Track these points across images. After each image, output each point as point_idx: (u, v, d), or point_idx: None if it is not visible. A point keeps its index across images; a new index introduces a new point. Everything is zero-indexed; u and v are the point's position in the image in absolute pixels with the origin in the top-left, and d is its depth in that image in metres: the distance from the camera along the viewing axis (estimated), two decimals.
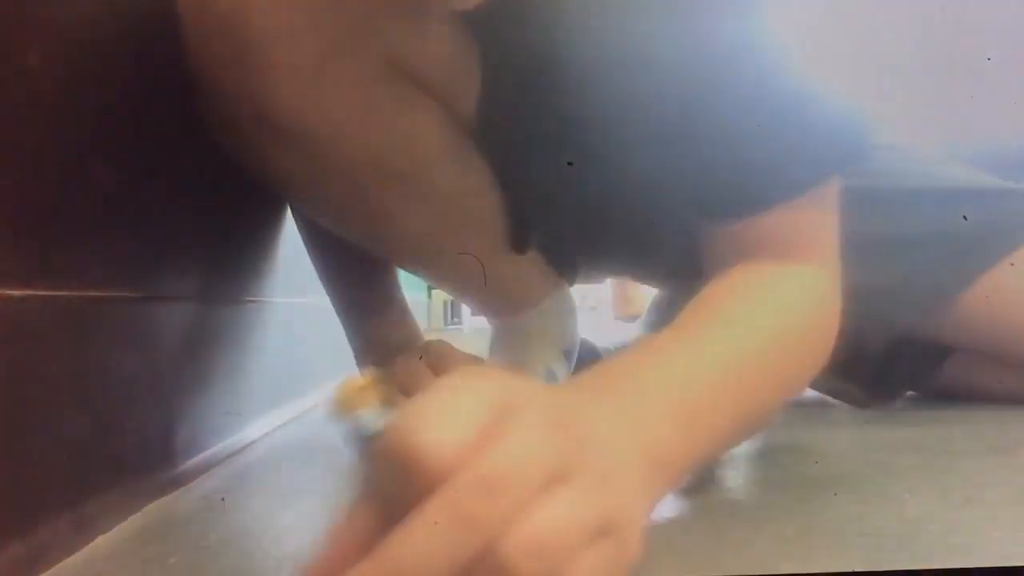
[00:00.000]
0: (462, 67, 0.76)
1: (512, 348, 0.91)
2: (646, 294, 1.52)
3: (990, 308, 0.88)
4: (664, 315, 1.15)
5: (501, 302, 0.90)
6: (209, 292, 0.75)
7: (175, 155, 0.69)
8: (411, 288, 1.04)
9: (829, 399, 0.97)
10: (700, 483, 0.61)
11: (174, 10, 0.66)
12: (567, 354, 0.91)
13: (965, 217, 0.89)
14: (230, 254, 0.83)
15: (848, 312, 0.78)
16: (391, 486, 0.31)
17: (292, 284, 1.03)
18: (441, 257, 0.84)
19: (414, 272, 0.93)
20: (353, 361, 0.95)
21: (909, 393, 1.00)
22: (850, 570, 0.42)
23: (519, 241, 0.85)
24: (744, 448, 0.73)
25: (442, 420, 0.31)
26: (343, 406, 0.53)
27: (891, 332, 0.91)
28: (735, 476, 0.64)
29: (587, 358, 0.97)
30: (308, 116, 0.69)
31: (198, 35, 0.67)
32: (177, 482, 0.64)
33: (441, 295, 3.90)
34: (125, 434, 0.58)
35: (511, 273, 0.87)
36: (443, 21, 0.73)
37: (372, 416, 0.53)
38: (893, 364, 0.93)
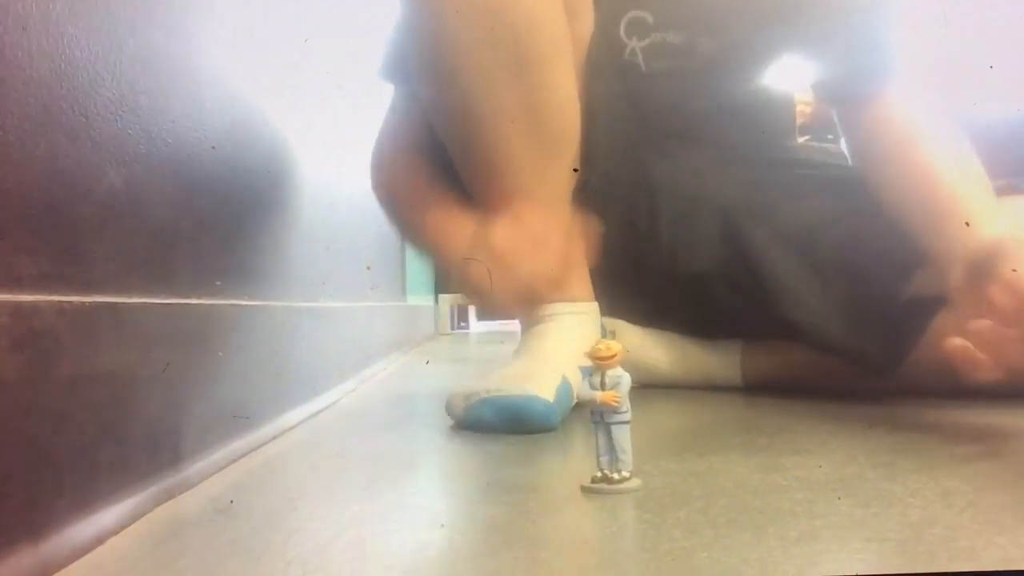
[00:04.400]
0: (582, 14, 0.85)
1: (537, 348, 0.94)
2: None
3: None
4: None
5: (544, 284, 0.96)
6: (218, 296, 0.76)
7: (184, 159, 0.69)
8: (418, 293, 1.05)
9: (833, 400, 0.97)
10: (703, 487, 0.61)
11: None
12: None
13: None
14: (239, 258, 0.84)
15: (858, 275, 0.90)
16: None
17: (300, 288, 1.04)
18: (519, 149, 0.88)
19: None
20: (355, 361, 0.95)
21: (908, 394, 1.00)
22: (853, 574, 0.42)
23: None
24: (747, 452, 0.73)
25: None
26: (596, 358, 0.60)
27: (896, 286, 0.93)
28: (736, 480, 0.64)
29: None
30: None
31: None
32: (186, 484, 0.65)
33: (448, 299, 3.90)
34: (135, 437, 0.58)
35: (558, 245, 0.93)
36: None
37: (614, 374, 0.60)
38: (901, 318, 0.94)
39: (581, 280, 0.99)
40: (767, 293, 1.00)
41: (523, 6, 0.78)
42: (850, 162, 1.09)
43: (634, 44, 0.90)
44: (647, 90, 0.93)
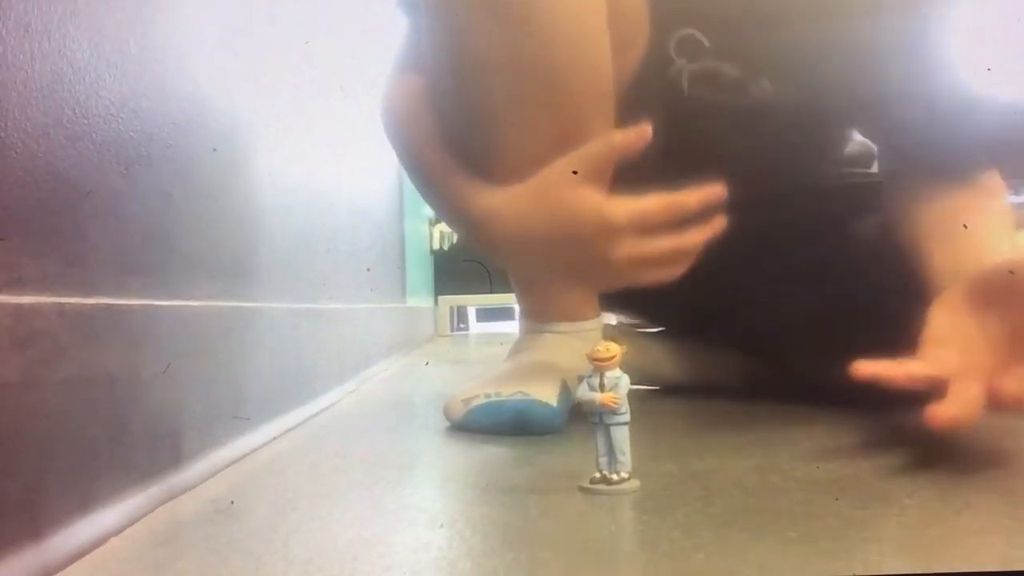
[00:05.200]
0: (634, 23, 0.81)
1: (539, 352, 0.94)
2: None
3: None
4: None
5: (554, 308, 0.96)
6: (217, 298, 0.76)
7: (185, 161, 0.69)
8: (417, 295, 1.05)
9: (830, 404, 0.97)
10: (702, 488, 0.61)
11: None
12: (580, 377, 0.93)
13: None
14: (239, 260, 0.84)
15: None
16: None
17: (301, 290, 1.04)
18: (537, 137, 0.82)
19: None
20: (355, 363, 0.95)
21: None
22: (852, 574, 0.42)
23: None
24: (746, 453, 0.74)
25: None
26: (595, 360, 0.60)
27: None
28: (734, 481, 0.64)
29: None
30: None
31: None
32: (186, 485, 0.65)
33: (448, 301, 3.91)
34: (135, 438, 0.58)
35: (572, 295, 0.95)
36: None
37: (613, 376, 0.60)
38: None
39: (585, 299, 0.98)
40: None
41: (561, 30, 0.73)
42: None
43: (682, 64, 0.84)
44: (680, 117, 0.83)
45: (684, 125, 0.81)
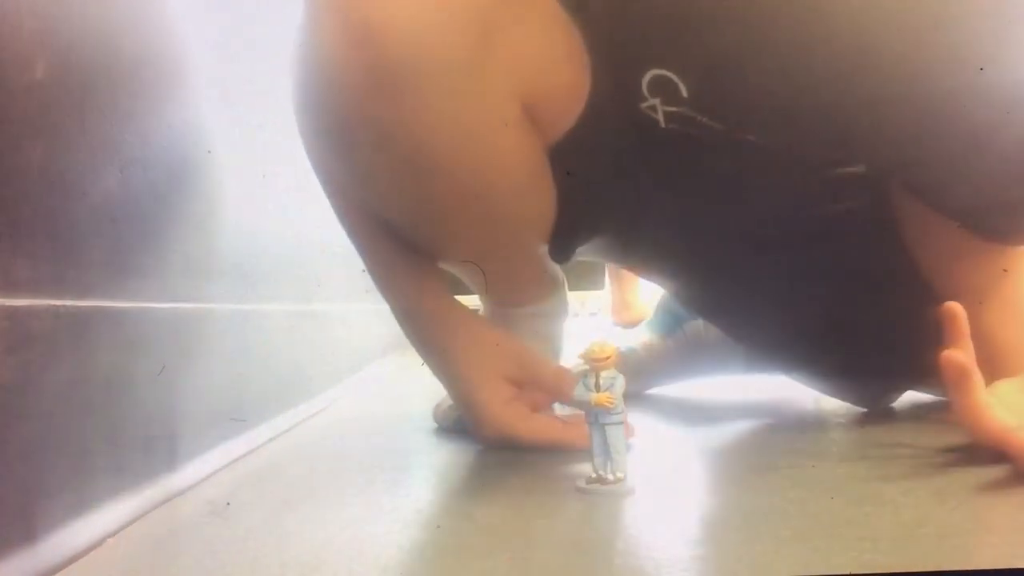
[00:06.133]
0: (569, 83, 0.76)
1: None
2: (643, 301, 1.52)
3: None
4: (678, 318, 1.16)
5: (510, 295, 0.92)
6: (213, 299, 0.76)
7: (179, 163, 0.69)
8: None
9: (826, 401, 0.98)
10: (697, 487, 0.61)
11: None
12: (555, 352, 0.92)
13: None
14: (234, 261, 0.84)
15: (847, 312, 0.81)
16: None
17: (296, 291, 1.04)
18: (471, 246, 0.84)
19: (435, 250, 0.87)
20: (350, 364, 0.95)
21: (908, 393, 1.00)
22: (846, 573, 0.42)
23: (562, 252, 0.86)
24: (741, 452, 0.74)
25: None
26: (590, 359, 0.60)
27: (891, 332, 0.91)
28: (730, 479, 0.65)
29: None
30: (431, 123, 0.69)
31: (333, 36, 0.66)
32: (182, 487, 0.65)
33: None
34: (131, 439, 0.58)
35: (528, 273, 0.90)
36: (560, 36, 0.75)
37: (609, 375, 0.60)
38: (892, 364, 0.93)
39: (550, 277, 0.96)
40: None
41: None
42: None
43: (657, 103, 0.76)
44: (661, 144, 0.78)
45: (666, 153, 0.78)
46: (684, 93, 0.75)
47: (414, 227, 0.80)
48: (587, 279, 1.90)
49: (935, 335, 0.68)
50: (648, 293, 1.44)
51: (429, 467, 0.80)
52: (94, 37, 0.57)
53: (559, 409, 0.83)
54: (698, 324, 1.15)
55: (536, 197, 0.79)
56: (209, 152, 0.76)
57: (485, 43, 0.68)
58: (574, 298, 0.99)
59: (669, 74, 0.75)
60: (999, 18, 0.70)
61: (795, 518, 0.53)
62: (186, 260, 0.71)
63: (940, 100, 0.71)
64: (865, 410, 0.93)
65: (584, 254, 0.93)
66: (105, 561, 0.50)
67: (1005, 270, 0.79)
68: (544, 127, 0.76)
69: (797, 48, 0.73)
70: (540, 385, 0.79)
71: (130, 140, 0.60)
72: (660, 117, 0.76)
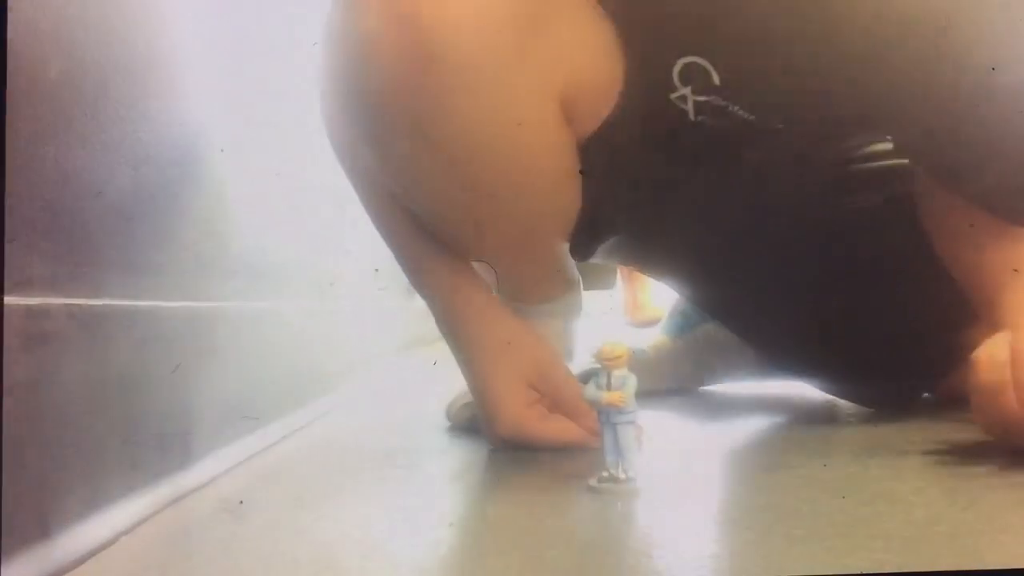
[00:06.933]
0: (604, 78, 0.76)
1: None
2: (656, 301, 1.52)
3: None
4: (689, 320, 1.16)
5: (527, 291, 0.92)
6: (227, 298, 0.76)
7: (193, 162, 0.70)
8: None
9: (838, 400, 0.97)
10: (709, 485, 0.61)
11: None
12: (568, 352, 0.92)
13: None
14: (248, 260, 0.84)
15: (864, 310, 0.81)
16: None
17: (309, 289, 1.04)
18: (497, 240, 0.83)
19: (459, 241, 0.86)
20: (363, 362, 0.95)
21: (924, 395, 1.00)
22: (858, 572, 0.42)
23: (583, 249, 0.86)
24: (752, 451, 0.74)
25: None
26: (602, 359, 0.60)
27: (904, 336, 0.91)
28: (741, 478, 0.64)
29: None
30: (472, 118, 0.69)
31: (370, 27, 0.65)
32: (196, 485, 0.65)
33: None
34: (145, 437, 0.58)
35: (547, 269, 0.89)
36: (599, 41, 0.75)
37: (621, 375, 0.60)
38: (904, 368, 0.93)
39: (566, 274, 0.96)
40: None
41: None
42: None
43: (687, 92, 0.77)
44: (688, 138, 0.79)
45: (693, 147, 0.79)
46: (716, 80, 0.76)
47: (441, 217, 0.79)
48: (601, 279, 1.90)
49: (952, 330, 0.68)
50: (662, 296, 1.44)
51: (442, 465, 0.80)
52: (108, 37, 0.57)
53: None
54: (709, 327, 1.15)
55: (565, 193, 0.79)
56: (222, 151, 0.76)
57: (531, 34, 0.68)
58: (587, 297, 0.98)
59: (701, 61, 0.76)
60: None
61: (807, 517, 0.53)
62: (200, 259, 0.71)
63: (968, 82, 0.71)
64: (875, 410, 0.92)
65: (600, 255, 0.93)
66: (119, 558, 0.50)
67: None
68: (578, 122, 0.76)
69: (826, 30, 0.73)
70: (557, 403, 0.79)
71: (144, 139, 0.61)
72: (690, 108, 0.77)
